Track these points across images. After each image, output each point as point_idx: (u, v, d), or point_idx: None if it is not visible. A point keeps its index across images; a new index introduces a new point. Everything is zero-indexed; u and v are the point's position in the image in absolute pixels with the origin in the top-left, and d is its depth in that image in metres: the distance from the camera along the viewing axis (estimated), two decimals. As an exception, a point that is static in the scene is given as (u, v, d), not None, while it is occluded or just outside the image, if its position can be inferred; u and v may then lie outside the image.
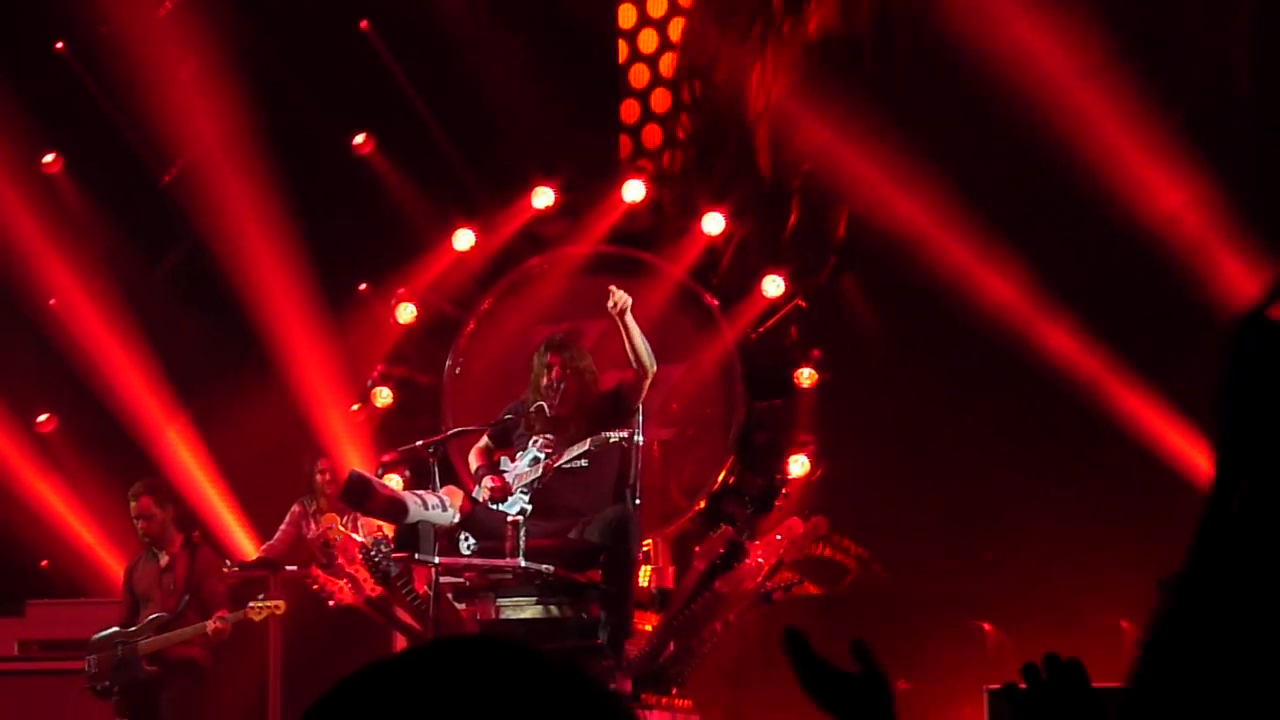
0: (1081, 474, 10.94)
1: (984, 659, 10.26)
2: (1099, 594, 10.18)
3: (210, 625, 9.86)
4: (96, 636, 10.12)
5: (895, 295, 11.43)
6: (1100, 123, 10.69)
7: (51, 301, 12.97)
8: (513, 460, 9.11)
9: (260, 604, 9.88)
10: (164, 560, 10.23)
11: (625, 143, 12.49)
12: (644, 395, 9.02)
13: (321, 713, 1.76)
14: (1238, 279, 10.50)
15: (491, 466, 9.19)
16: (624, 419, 8.99)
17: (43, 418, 13.12)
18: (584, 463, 8.87)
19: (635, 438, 8.89)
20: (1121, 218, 10.57)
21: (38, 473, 12.94)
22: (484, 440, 9.38)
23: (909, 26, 11.68)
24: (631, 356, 8.90)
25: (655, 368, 8.95)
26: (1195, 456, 10.52)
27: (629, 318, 8.82)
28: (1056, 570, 10.65)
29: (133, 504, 10.27)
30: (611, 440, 8.75)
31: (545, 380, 9.10)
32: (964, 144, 11.34)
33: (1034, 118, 10.79)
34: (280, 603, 9.90)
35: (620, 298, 8.80)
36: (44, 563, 12.76)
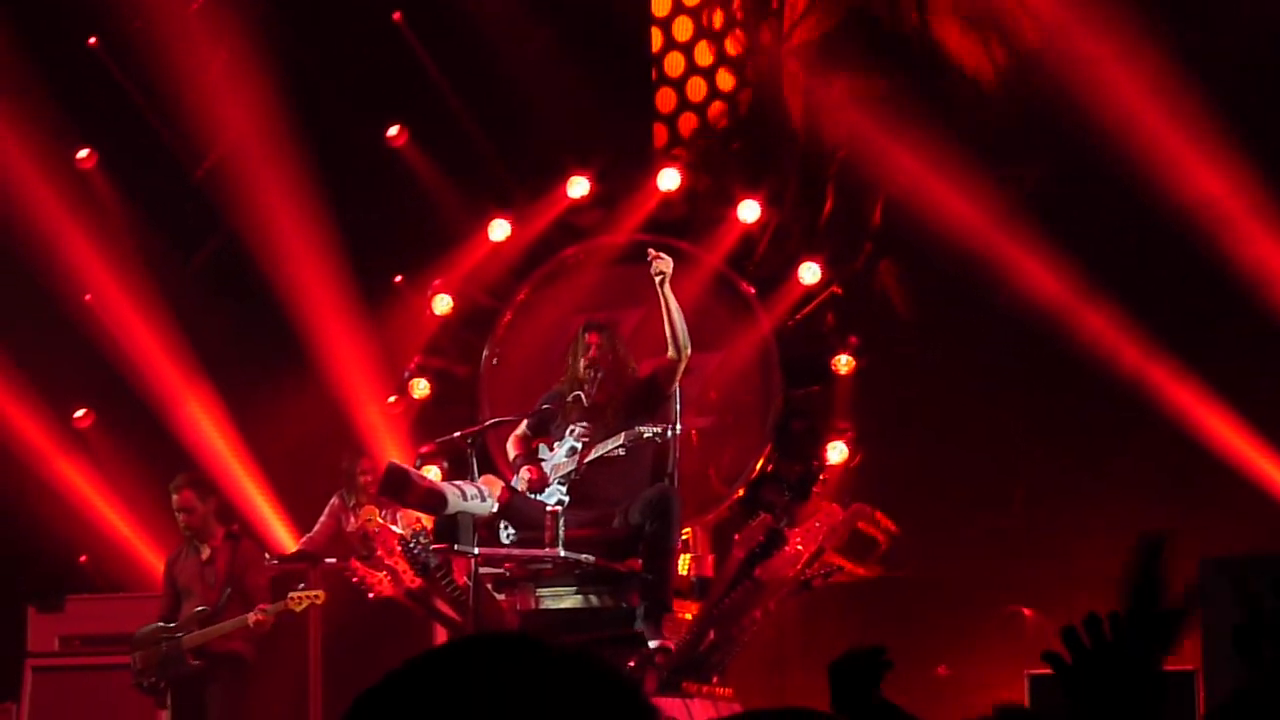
0: (1120, 457, 10.89)
1: (1025, 644, 10.21)
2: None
3: (252, 617, 9.86)
4: (140, 632, 10.12)
5: (932, 281, 11.38)
6: (1137, 106, 10.62)
7: (86, 297, 12.98)
8: (551, 449, 9.09)
9: (301, 594, 9.87)
10: (205, 553, 10.22)
11: (660, 131, 12.44)
12: (679, 379, 8.95)
13: (356, 714, 1.87)
14: (1277, 262, 10.45)
15: (529, 456, 9.17)
16: (659, 405, 8.95)
17: (80, 413, 13.13)
18: (621, 452, 8.84)
19: (670, 432, 8.84)
20: (1160, 203, 10.51)
21: (75, 468, 12.96)
22: (521, 428, 9.34)
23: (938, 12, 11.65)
24: (668, 331, 8.84)
25: (690, 348, 8.88)
26: (1231, 439, 10.48)
27: (668, 289, 8.79)
28: (1096, 554, 10.60)
29: (174, 497, 10.26)
30: (645, 436, 8.72)
31: (584, 360, 9.08)
32: (1000, 130, 11.30)
33: (1074, 102, 10.75)
34: (320, 592, 9.89)
35: (662, 263, 8.78)
36: (83, 558, 12.78)
